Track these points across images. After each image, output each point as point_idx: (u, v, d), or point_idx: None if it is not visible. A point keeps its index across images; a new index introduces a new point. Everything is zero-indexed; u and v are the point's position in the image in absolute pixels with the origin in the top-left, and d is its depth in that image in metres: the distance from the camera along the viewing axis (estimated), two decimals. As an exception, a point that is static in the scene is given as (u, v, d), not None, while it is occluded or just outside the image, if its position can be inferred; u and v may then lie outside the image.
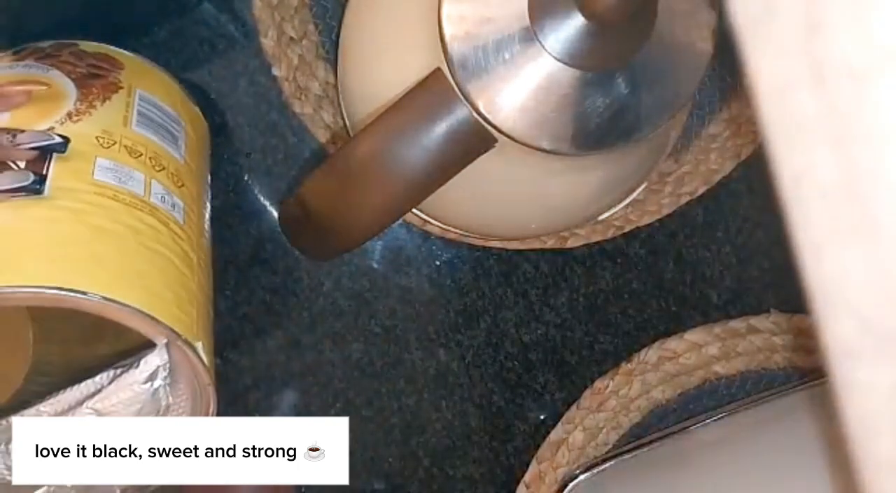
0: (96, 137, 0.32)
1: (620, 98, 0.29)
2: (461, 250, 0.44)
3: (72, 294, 0.27)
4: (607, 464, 0.42)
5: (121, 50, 0.38)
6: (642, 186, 0.39)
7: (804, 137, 0.17)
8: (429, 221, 0.41)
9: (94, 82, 0.34)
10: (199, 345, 0.29)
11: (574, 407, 0.44)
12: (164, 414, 0.30)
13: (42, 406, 0.29)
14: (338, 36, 0.40)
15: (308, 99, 0.42)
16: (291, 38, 0.42)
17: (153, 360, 0.28)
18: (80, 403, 0.29)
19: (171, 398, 0.29)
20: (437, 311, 0.44)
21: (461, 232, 0.41)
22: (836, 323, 0.17)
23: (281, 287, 0.44)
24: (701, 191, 0.44)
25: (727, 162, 0.44)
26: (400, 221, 0.41)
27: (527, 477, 0.44)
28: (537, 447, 0.44)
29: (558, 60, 0.28)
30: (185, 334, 0.29)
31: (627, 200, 0.39)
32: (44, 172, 0.29)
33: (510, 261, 0.44)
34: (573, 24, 0.28)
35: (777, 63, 0.17)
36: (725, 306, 0.45)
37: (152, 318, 0.28)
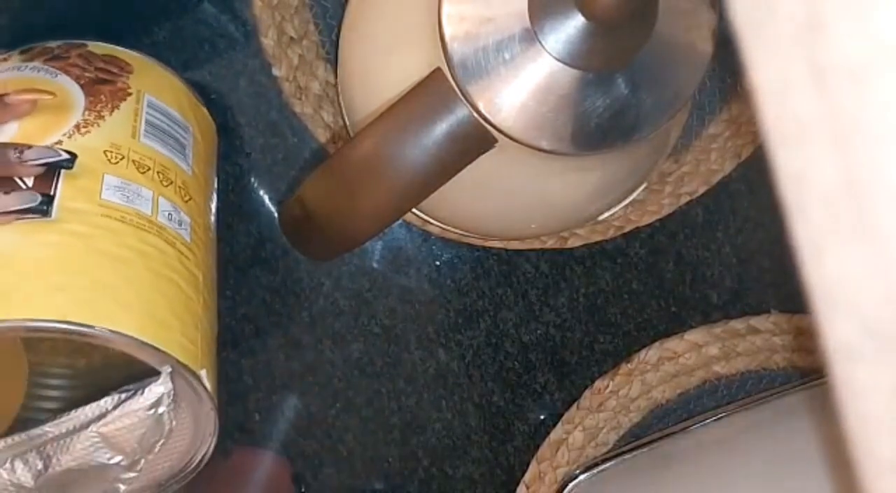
0: (104, 152, 0.32)
1: (620, 98, 0.29)
2: (461, 250, 0.44)
3: (78, 328, 0.27)
4: (607, 464, 0.42)
5: (130, 51, 0.37)
6: (642, 186, 0.39)
7: (804, 137, 0.17)
8: (429, 221, 0.41)
9: (103, 88, 0.34)
10: (202, 373, 0.29)
11: (574, 407, 0.44)
12: (167, 438, 0.30)
13: (47, 427, 0.29)
14: (338, 36, 0.40)
15: (308, 99, 0.42)
16: (291, 38, 0.41)
17: (157, 388, 0.28)
18: (86, 425, 0.29)
19: (174, 423, 0.29)
20: (436, 311, 0.44)
21: (461, 232, 0.41)
22: (836, 323, 0.17)
23: (281, 287, 0.44)
24: (701, 191, 0.44)
25: (727, 162, 0.44)
26: (400, 221, 0.41)
27: (527, 477, 0.44)
28: (537, 447, 0.44)
29: (558, 60, 0.28)
30: (189, 363, 0.29)
31: (627, 200, 0.39)
32: (51, 192, 0.29)
33: (510, 261, 0.44)
34: (573, 25, 0.28)
35: (777, 63, 0.17)
36: (725, 307, 0.45)
37: (158, 349, 0.28)
